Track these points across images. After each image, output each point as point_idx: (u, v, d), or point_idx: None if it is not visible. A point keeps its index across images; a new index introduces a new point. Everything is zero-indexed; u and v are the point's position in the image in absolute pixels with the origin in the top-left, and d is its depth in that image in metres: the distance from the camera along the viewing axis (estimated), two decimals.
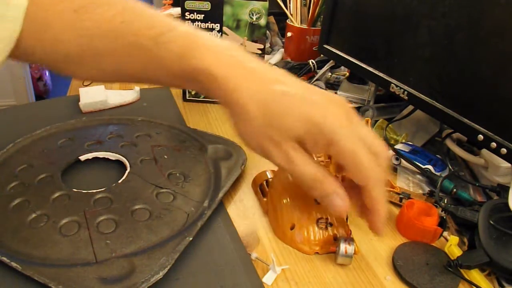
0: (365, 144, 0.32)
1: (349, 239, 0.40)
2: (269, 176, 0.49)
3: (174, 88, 0.76)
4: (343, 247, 0.39)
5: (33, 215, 0.41)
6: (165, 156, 0.52)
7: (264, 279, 0.37)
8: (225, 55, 0.34)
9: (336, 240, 0.41)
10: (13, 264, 0.35)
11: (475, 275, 0.38)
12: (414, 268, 0.39)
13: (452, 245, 0.41)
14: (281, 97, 0.32)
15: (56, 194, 0.44)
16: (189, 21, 0.72)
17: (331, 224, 0.42)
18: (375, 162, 0.32)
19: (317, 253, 0.41)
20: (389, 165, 0.33)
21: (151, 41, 0.34)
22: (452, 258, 0.40)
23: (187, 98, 0.73)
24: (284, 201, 0.44)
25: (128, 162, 0.50)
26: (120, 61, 0.36)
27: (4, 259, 0.36)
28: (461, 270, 0.39)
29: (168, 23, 0.35)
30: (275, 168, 0.50)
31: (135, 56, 0.35)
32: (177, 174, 0.49)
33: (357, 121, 0.33)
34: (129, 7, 0.36)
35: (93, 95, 0.67)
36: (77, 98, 0.67)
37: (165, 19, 0.36)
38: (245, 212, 0.46)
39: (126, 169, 0.49)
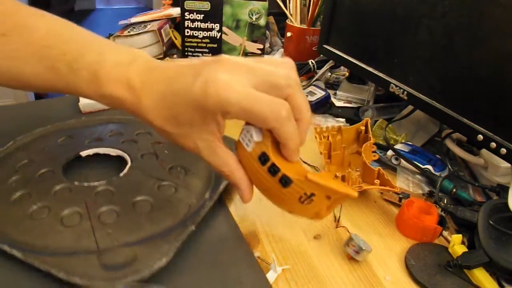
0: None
1: (349, 240, 0.40)
2: None
3: None
4: (349, 250, 0.40)
5: (34, 207, 0.41)
6: (166, 152, 0.52)
7: None
8: (127, 73, 0.35)
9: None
10: (14, 252, 0.35)
11: (478, 275, 0.38)
12: (426, 268, 0.39)
13: (456, 245, 0.41)
14: (176, 96, 0.33)
15: (57, 187, 0.44)
16: (189, 21, 0.72)
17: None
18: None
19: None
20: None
21: (66, 67, 0.36)
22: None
23: None
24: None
25: (129, 157, 0.50)
26: (45, 83, 0.38)
27: (5, 247, 0.36)
28: (465, 271, 0.39)
29: (82, 48, 0.36)
30: None
31: (56, 80, 0.37)
32: (178, 168, 0.49)
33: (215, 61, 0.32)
34: (53, 30, 0.37)
35: None
36: (76, 99, 0.67)
37: (83, 40, 0.37)
38: (245, 212, 0.46)
39: (127, 164, 0.49)
